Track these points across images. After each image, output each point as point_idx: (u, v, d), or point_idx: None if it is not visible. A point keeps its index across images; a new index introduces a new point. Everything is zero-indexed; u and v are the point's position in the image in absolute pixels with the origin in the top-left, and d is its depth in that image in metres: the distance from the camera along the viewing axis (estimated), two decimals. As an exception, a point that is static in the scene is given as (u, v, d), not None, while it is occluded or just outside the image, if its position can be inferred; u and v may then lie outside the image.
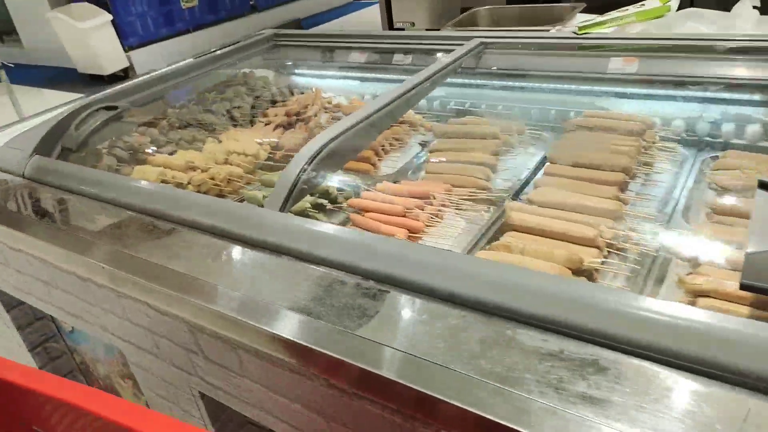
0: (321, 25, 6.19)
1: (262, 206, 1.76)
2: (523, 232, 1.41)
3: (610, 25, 1.97)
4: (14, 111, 5.68)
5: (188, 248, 1.32)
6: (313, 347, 0.96)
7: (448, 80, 1.99)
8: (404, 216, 1.53)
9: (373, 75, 2.39)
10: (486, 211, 1.67)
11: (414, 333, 0.95)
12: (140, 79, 2.37)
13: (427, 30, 4.01)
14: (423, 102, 2.22)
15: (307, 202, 1.70)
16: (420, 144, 2.14)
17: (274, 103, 2.50)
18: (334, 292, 1.08)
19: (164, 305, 1.24)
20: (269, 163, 2.06)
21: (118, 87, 2.39)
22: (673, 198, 1.58)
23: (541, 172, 1.78)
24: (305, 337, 0.98)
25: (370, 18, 4.23)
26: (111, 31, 7.04)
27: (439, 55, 2.14)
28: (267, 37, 2.60)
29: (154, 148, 2.12)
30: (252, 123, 2.44)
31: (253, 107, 2.44)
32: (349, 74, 2.44)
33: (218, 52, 2.47)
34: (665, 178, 1.67)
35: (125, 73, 7.54)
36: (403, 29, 4.06)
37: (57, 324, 2.11)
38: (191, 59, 2.74)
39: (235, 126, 2.37)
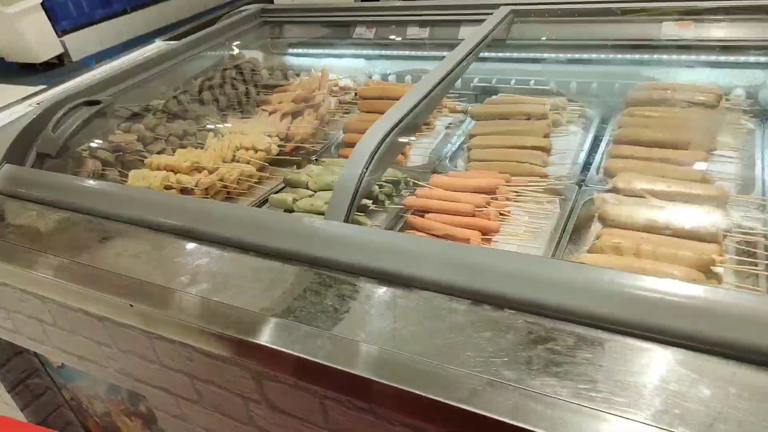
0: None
1: (293, 210, 1.53)
2: (619, 228, 1.22)
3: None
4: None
5: (237, 276, 1.07)
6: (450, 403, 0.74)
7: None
8: (474, 216, 1.32)
9: (382, 52, 2.13)
10: (550, 201, 1.49)
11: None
12: (113, 64, 2.04)
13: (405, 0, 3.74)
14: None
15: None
16: (446, 128, 1.92)
17: (267, 87, 2.22)
18: (451, 324, 0.86)
19: (219, 350, 1.00)
20: (281, 157, 1.80)
21: (88, 75, 2.08)
22: (756, 176, 1.43)
23: (600, 152, 1.60)
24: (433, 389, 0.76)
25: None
26: (41, 15, 6.39)
27: (463, 27, 1.91)
28: (253, 13, 2.30)
29: (143, 147, 1.81)
30: (243, 111, 2.16)
31: (246, 94, 2.15)
32: (355, 52, 2.18)
33: (200, 33, 2.16)
34: (739, 154, 1.53)
35: (60, 60, 6.90)
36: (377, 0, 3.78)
37: (41, 358, 1.80)
38: (164, 42, 2.42)
39: (225, 115, 2.08)
